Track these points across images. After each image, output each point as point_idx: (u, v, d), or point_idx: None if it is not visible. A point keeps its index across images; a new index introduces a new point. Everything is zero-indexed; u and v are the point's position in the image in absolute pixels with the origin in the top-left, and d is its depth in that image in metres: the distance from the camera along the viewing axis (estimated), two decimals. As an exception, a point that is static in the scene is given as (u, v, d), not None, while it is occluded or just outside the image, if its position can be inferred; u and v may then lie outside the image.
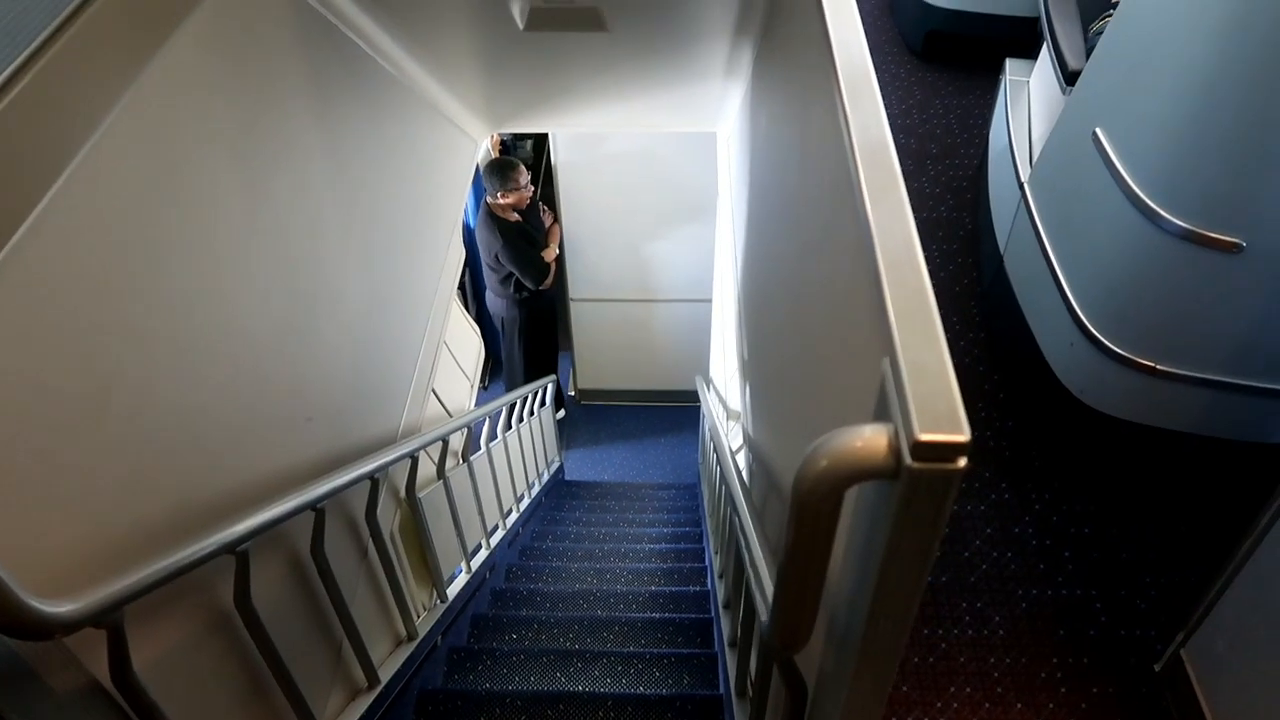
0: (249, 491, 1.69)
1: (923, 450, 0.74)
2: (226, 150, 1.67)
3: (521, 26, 2.50)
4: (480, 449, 3.74)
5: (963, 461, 0.74)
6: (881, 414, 0.84)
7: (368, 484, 2.28)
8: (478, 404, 4.16)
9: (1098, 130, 2.14)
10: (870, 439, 0.78)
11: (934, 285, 2.83)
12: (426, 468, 3.04)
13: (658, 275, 5.78)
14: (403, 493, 2.76)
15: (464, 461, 3.44)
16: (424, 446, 2.76)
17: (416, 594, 2.86)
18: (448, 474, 3.15)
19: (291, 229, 1.99)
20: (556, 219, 5.29)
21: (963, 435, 0.74)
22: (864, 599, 0.87)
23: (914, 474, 0.74)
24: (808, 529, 0.84)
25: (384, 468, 2.41)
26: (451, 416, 3.55)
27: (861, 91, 1.15)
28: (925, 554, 0.80)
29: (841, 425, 0.79)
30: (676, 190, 5.20)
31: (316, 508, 1.88)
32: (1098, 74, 2.19)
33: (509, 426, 4.23)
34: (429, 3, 2.40)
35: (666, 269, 5.73)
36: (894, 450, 0.76)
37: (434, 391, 3.32)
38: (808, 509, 0.81)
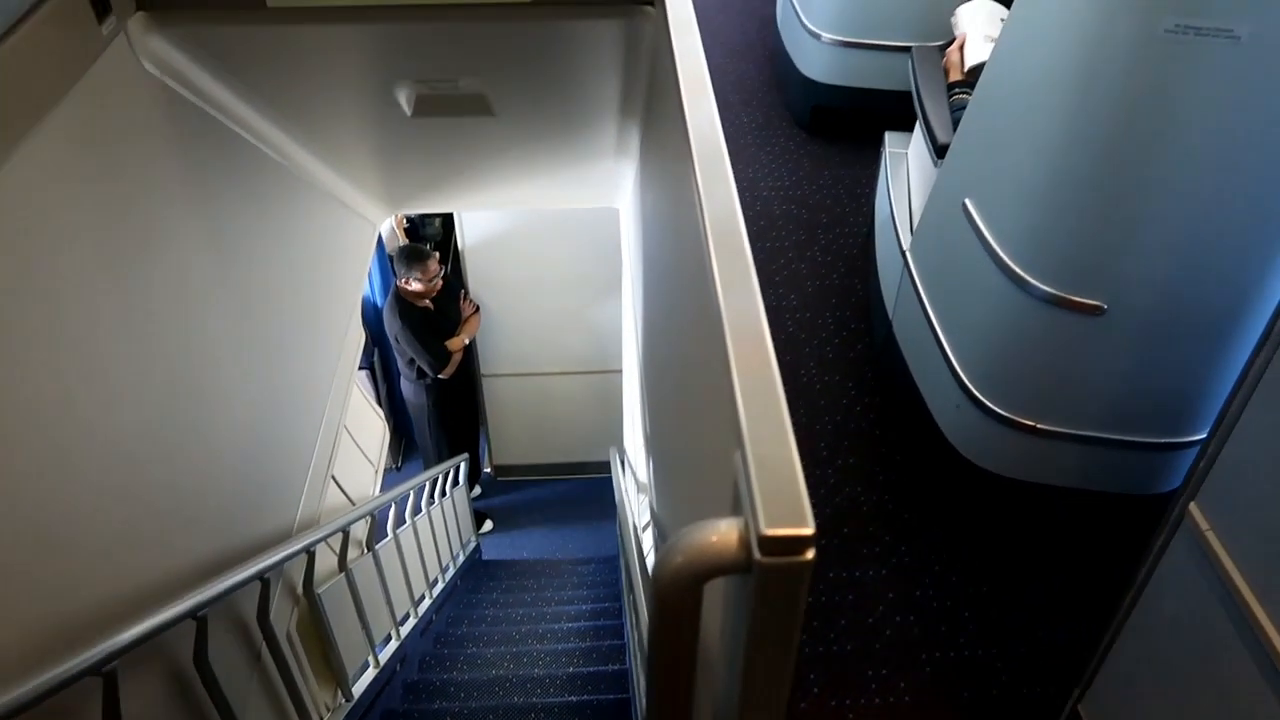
0: (122, 605, 1.61)
1: (770, 545, 0.74)
2: (95, 244, 1.62)
3: (409, 113, 2.52)
4: (388, 536, 3.64)
5: (810, 553, 0.74)
6: (735, 507, 0.84)
7: (258, 585, 2.19)
8: (391, 486, 4.07)
9: (966, 201, 2.24)
10: (724, 534, 0.78)
11: (829, 351, 2.90)
12: (328, 560, 2.95)
13: (570, 347, 5.79)
14: (300, 589, 2.66)
15: (369, 551, 3.34)
16: (321, 540, 2.67)
17: (319, 695, 2.74)
18: (351, 565, 3.05)
19: (169, 322, 1.94)
20: (478, 310, 5.27)
21: (807, 529, 0.74)
22: (734, 691, 0.87)
23: (764, 568, 0.74)
24: (670, 623, 0.83)
25: (277, 566, 2.33)
26: (354, 504, 3.46)
27: (716, 177, 1.18)
28: (786, 645, 0.80)
29: (709, 514, 0.80)
30: (585, 262, 5.25)
31: (197, 616, 1.79)
32: (963, 148, 2.30)
33: (418, 510, 4.13)
34: (314, 95, 2.39)
35: (579, 340, 5.75)
36: (745, 545, 0.77)
37: (334, 479, 3.24)
38: (668, 604, 0.81)
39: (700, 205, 1.16)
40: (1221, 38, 1.64)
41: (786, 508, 0.76)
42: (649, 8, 1.94)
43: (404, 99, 2.47)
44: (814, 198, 3.66)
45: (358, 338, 3.58)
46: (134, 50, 1.85)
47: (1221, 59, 1.65)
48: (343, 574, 2.99)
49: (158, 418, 1.85)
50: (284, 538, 2.61)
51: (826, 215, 3.59)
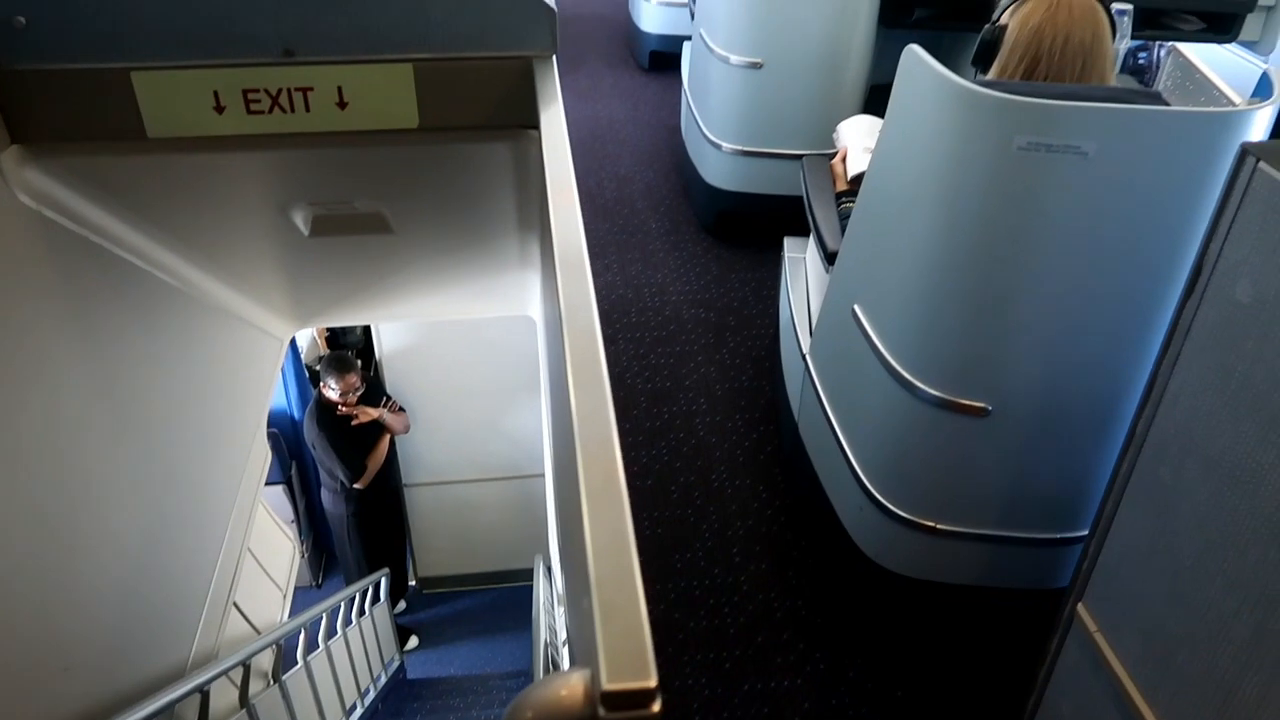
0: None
1: (613, 700, 0.72)
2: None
3: (306, 233, 2.51)
4: (298, 664, 3.48)
5: (656, 706, 0.72)
6: (585, 657, 0.82)
7: (139, 732, 2.07)
8: (312, 603, 3.90)
9: (855, 307, 2.30)
10: (572, 687, 0.76)
11: (740, 454, 2.90)
12: (228, 695, 2.80)
13: (494, 453, 5.72)
14: (192, 731, 2.52)
15: (275, 682, 3.18)
16: (218, 675, 2.54)
17: (213, 845, 2.57)
18: (253, 700, 2.90)
19: (38, 454, 1.87)
20: (402, 410, 5.19)
21: (650, 682, 0.73)
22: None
23: (610, 724, 0.72)
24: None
25: (166, 708, 2.20)
26: (259, 633, 3.31)
27: (576, 282, 1.19)
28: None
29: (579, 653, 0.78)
30: (504, 368, 5.24)
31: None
32: (849, 255, 2.37)
33: (333, 633, 3.97)
34: (205, 218, 2.38)
35: (502, 446, 5.70)
36: (590, 700, 0.75)
37: (236, 606, 3.10)
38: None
39: (561, 317, 1.17)
40: (1071, 154, 1.73)
41: (630, 660, 0.74)
42: (534, 130, 1.98)
43: (300, 220, 2.46)
44: (722, 301, 3.73)
45: (263, 456, 3.48)
46: (8, 183, 1.83)
47: (1073, 173, 1.74)
48: (244, 710, 2.84)
49: (25, 556, 1.76)
50: (178, 676, 2.48)
51: (734, 318, 3.65)
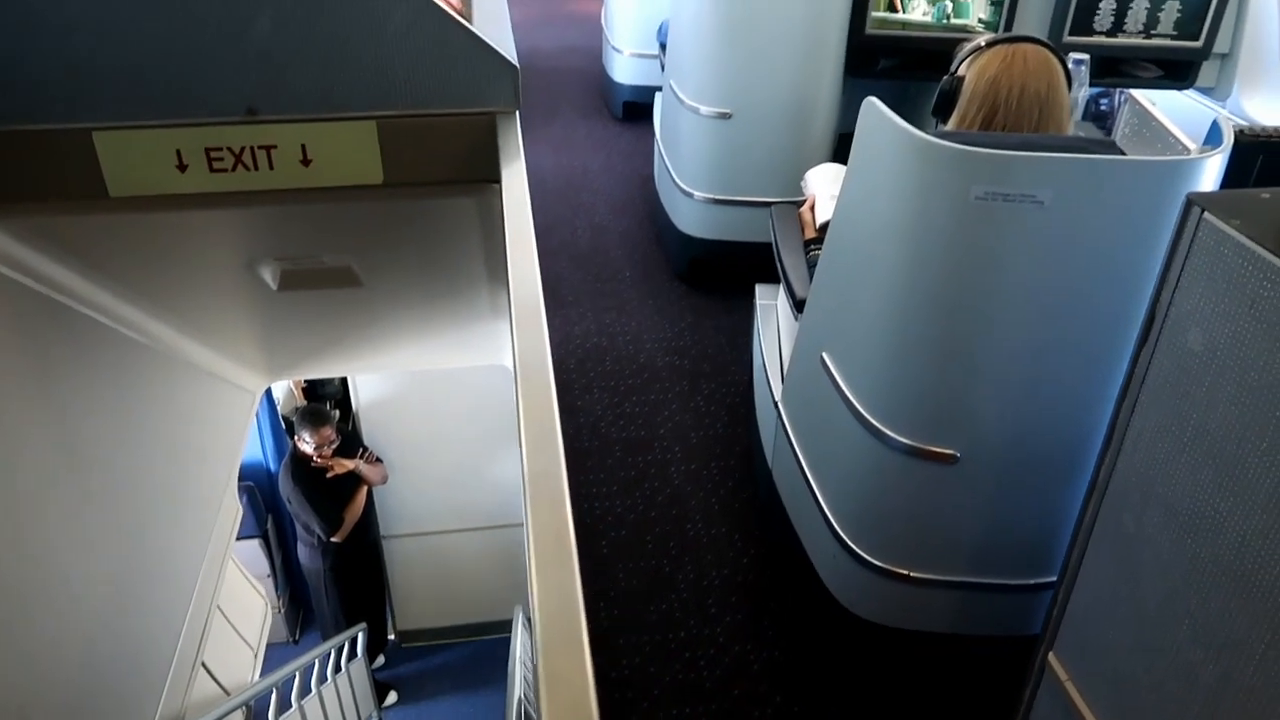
0: None
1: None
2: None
3: (275, 288, 2.50)
4: (268, 724, 3.41)
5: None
6: (537, 727, 0.80)
7: (98, 802, 2.01)
8: (287, 660, 3.82)
9: (824, 355, 2.30)
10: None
11: (715, 502, 2.89)
12: (193, 760, 2.73)
13: (473, 503, 5.66)
14: (155, 800, 2.45)
15: (244, 744, 3.11)
16: (182, 740, 2.48)
17: None
18: (221, 763, 2.83)
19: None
20: (380, 461, 5.14)
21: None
22: None
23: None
24: None
25: (125, 776, 2.14)
26: (228, 694, 3.24)
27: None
28: None
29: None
30: (482, 417, 5.20)
31: None
32: (817, 303, 2.38)
33: (307, 691, 3.89)
34: (171, 275, 2.37)
35: (481, 495, 5.63)
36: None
37: (205, 666, 3.04)
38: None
39: (516, 375, 1.16)
40: (1028, 203, 1.75)
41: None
42: (496, 184, 2.00)
43: (268, 275, 2.46)
44: (696, 348, 3.73)
45: (233, 511, 3.44)
46: (-34, 244, 1.82)
47: (1030, 221, 1.76)
48: (210, 774, 2.77)
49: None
50: (139, 741, 2.42)
51: (709, 365, 3.65)
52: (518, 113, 1.95)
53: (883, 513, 2.23)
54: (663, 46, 4.40)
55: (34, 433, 2.05)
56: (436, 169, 1.99)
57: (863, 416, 2.14)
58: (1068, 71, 2.13)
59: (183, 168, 1.91)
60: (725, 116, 3.61)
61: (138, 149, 1.87)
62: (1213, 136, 1.89)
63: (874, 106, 1.95)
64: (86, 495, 2.27)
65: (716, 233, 3.87)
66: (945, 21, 3.42)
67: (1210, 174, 1.79)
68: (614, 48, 5.67)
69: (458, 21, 1.85)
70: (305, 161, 1.95)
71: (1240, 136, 1.82)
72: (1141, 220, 1.74)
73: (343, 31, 1.82)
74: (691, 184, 3.82)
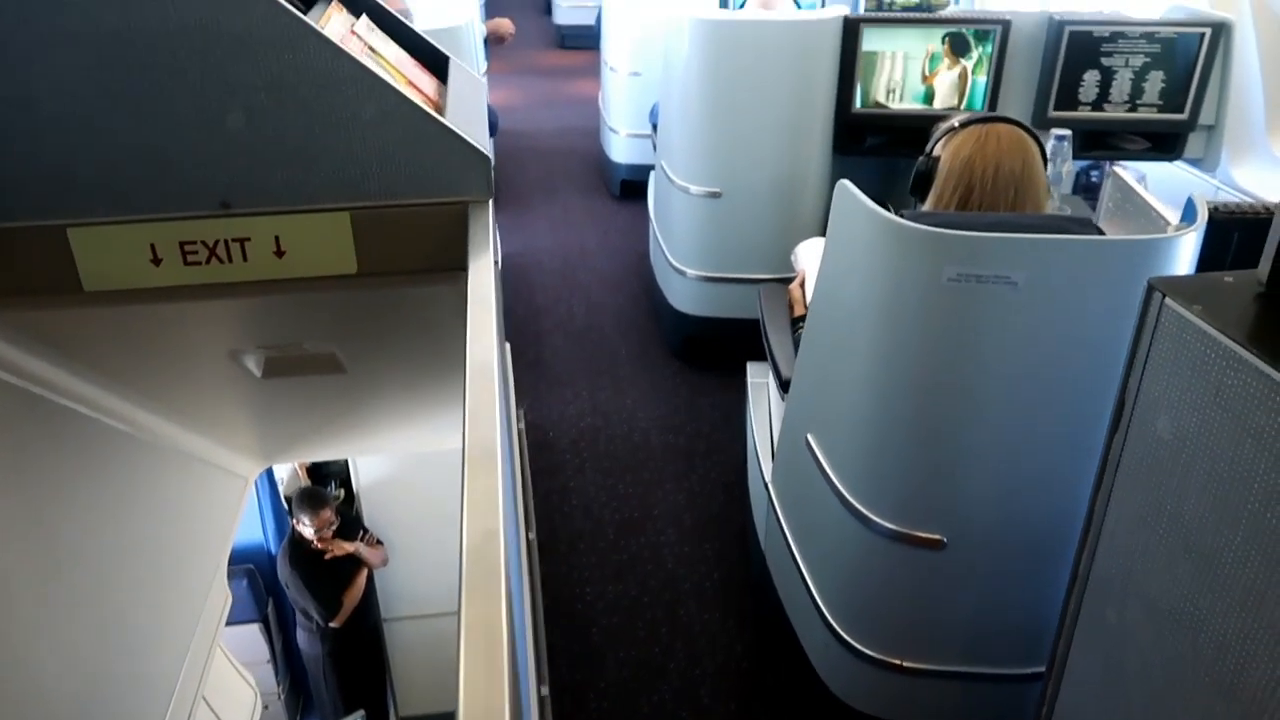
0: None
1: None
2: None
3: (259, 375, 2.50)
4: (254, 822, 3.30)
5: None
6: None
7: None
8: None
9: (809, 436, 2.27)
10: None
11: (708, 586, 2.83)
12: None
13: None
14: None
15: (226, 845, 3.01)
16: None
17: None
18: None
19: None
20: (380, 544, 5.08)
21: None
22: None
23: None
24: None
25: None
26: (211, 791, 3.14)
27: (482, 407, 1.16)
28: None
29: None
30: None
31: None
32: (801, 383, 2.35)
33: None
34: (153, 365, 2.37)
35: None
36: None
37: (187, 765, 2.95)
38: None
39: (463, 473, 1.13)
40: (1001, 284, 1.73)
41: None
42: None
43: (251, 363, 2.46)
44: (691, 426, 3.70)
45: (222, 598, 3.38)
46: (-64, 341, 1.82)
47: (1004, 302, 1.74)
48: None
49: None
50: None
51: (704, 443, 3.62)
52: (490, 201, 1.96)
53: (872, 599, 2.17)
54: (654, 127, 4.46)
55: (7, 529, 2.02)
56: (410, 258, 1.99)
57: (847, 500, 2.09)
58: (1043, 149, 2.13)
59: (157, 261, 1.91)
60: (715, 195, 3.63)
61: (112, 244, 1.88)
62: (1188, 214, 1.87)
63: (846, 189, 1.95)
64: (61, 591, 2.23)
65: (710, 310, 3.87)
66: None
67: (1185, 253, 1.77)
68: (610, 128, 5.76)
69: (429, 114, 1.87)
70: (279, 253, 1.96)
71: (1215, 213, 1.80)
72: (1115, 301, 1.71)
73: (315, 125, 1.84)
74: (684, 262, 3.83)
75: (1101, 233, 1.94)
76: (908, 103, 3.39)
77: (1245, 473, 1.09)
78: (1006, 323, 1.76)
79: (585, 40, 8.77)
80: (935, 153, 2.11)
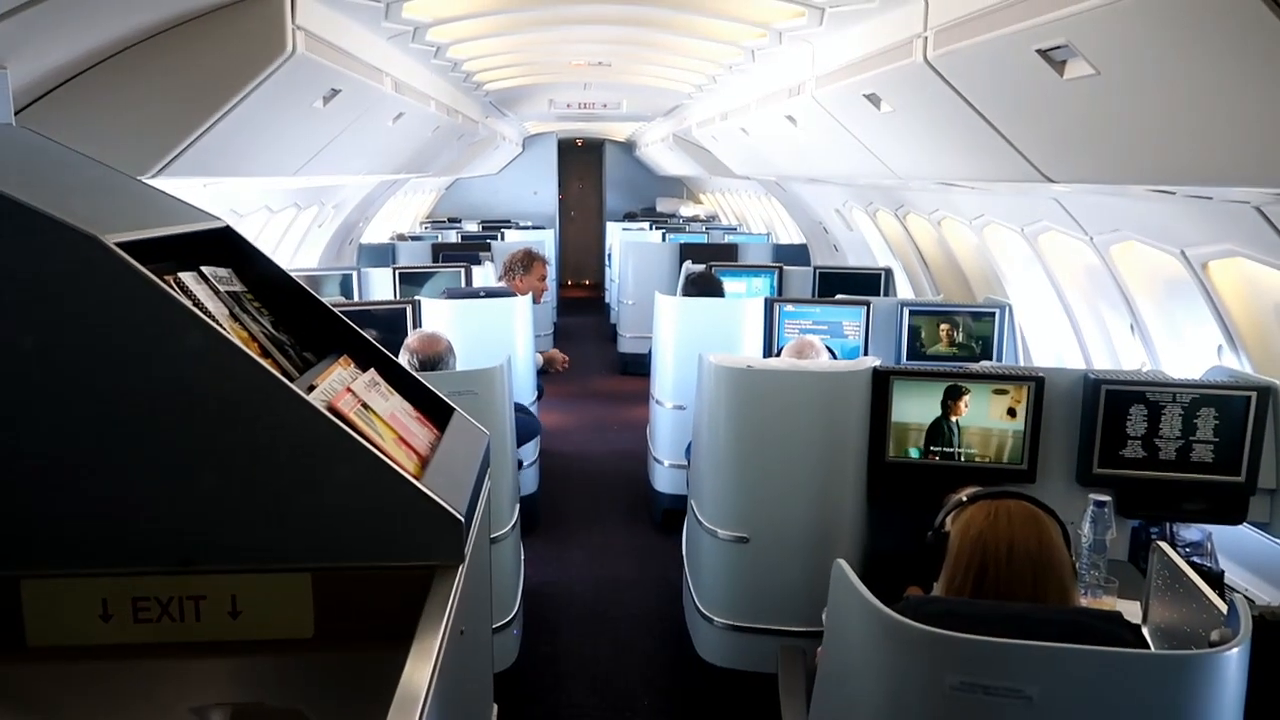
0: None
1: None
2: None
3: (222, 732, 2.31)
4: None
5: None
6: None
7: None
8: None
9: None
10: None
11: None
12: None
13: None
14: None
15: None
16: None
17: None
18: None
19: None
20: None
21: None
22: None
23: None
24: None
25: None
26: None
27: None
28: None
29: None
30: None
31: None
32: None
33: None
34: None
35: None
36: None
37: None
38: None
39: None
40: (1013, 698, 1.50)
41: None
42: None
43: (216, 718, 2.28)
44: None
45: None
46: None
47: (1013, 717, 1.50)
48: None
49: None
50: None
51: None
52: (461, 566, 1.86)
53: None
54: (689, 463, 4.43)
55: None
56: (369, 623, 1.86)
57: None
58: (1064, 526, 1.97)
59: (106, 618, 1.82)
60: (743, 541, 3.48)
61: (63, 598, 1.80)
62: (1231, 620, 1.65)
63: (842, 572, 1.80)
64: None
65: (734, 662, 3.58)
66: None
67: (1233, 668, 1.53)
68: (655, 458, 5.77)
69: (403, 478, 1.82)
70: (234, 613, 1.85)
71: (1260, 620, 1.58)
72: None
73: (285, 486, 1.80)
74: (710, 608, 3.61)
75: (1136, 631, 1.72)
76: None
77: None
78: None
79: (646, 367, 9.14)
80: (945, 527, 1.97)
